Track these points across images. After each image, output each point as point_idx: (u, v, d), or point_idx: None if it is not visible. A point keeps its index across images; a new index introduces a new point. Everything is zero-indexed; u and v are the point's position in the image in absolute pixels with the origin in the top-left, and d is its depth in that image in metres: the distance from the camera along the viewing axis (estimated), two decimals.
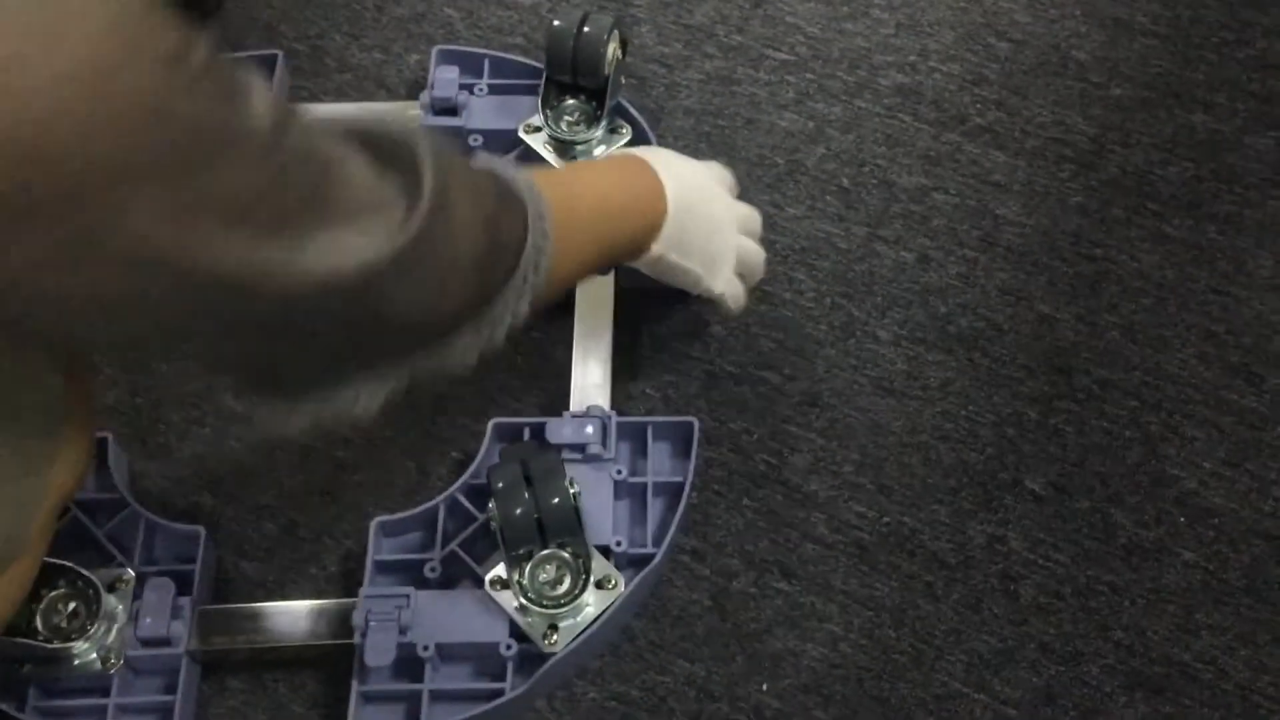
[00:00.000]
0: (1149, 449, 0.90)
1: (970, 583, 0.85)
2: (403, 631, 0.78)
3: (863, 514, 0.88)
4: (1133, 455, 0.90)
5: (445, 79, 1.00)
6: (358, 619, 0.78)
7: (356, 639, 0.78)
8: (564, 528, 0.79)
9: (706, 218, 0.83)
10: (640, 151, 0.84)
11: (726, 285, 0.86)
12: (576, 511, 0.79)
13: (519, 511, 0.78)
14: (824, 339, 0.96)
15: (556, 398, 0.92)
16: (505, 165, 0.69)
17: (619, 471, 0.85)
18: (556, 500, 0.78)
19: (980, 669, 0.82)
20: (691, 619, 0.84)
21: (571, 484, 0.80)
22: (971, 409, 0.92)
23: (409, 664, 0.79)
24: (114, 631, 0.78)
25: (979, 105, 1.08)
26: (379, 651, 0.77)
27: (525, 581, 0.79)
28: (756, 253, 0.88)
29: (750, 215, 0.88)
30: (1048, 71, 1.09)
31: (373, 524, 0.83)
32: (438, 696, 0.79)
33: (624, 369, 0.94)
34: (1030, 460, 0.90)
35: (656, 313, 0.97)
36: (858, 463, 0.90)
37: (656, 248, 0.80)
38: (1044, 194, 1.03)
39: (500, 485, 0.79)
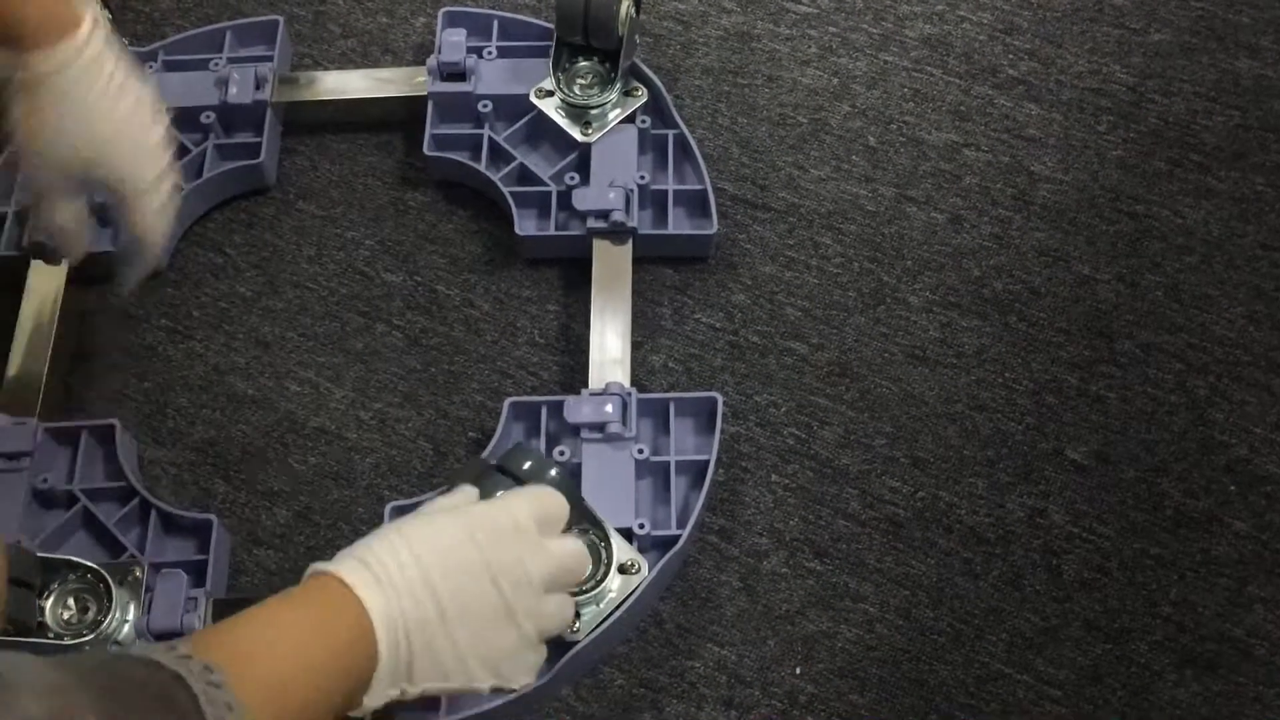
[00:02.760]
0: (1196, 414, 0.86)
1: (1010, 559, 0.82)
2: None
3: (896, 489, 0.85)
4: (1179, 421, 0.86)
5: (452, 42, 0.96)
6: (140, 624, 0.75)
7: None
8: (570, 505, 0.75)
9: (451, 631, 0.61)
10: (375, 538, 0.62)
11: (530, 674, 0.65)
12: (575, 489, 0.75)
13: None
14: (852, 306, 0.92)
15: (574, 373, 0.89)
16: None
17: (640, 451, 0.82)
18: (554, 479, 0.72)
19: (1023, 648, 0.79)
20: (721, 601, 0.81)
21: (559, 457, 0.76)
22: (1009, 376, 0.89)
23: None
24: (127, 626, 0.76)
25: (1011, 56, 1.03)
26: None
27: None
28: (561, 615, 0.66)
29: (562, 563, 0.66)
30: (1083, 18, 1.04)
31: (388, 508, 0.81)
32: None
33: (644, 341, 0.90)
34: (1071, 429, 0.86)
35: (677, 282, 0.93)
36: (890, 435, 0.87)
37: (373, 699, 0.59)
38: (1081, 148, 0.98)
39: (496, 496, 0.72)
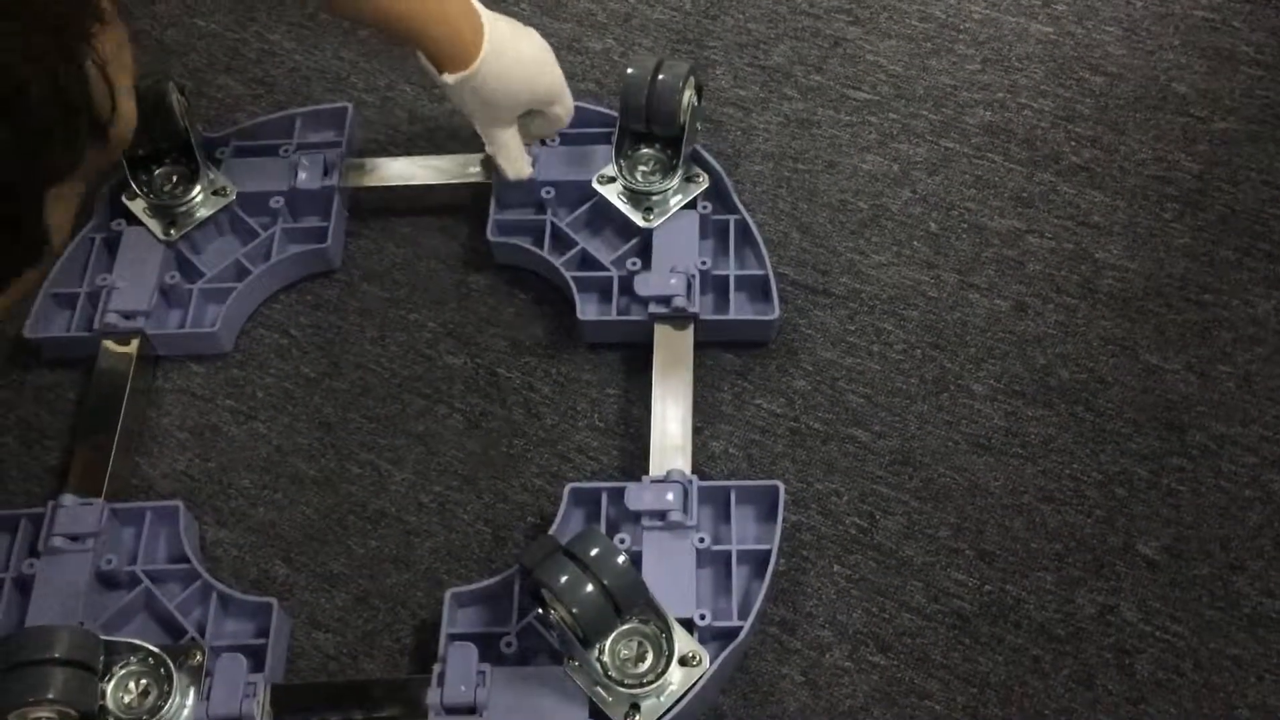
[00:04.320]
0: (1273, 509, 0.84)
1: (1082, 656, 0.80)
2: (479, 710, 0.75)
3: (962, 581, 0.83)
4: (1254, 516, 0.84)
5: None
6: (433, 699, 0.75)
7: (431, 719, 0.75)
8: (635, 594, 0.74)
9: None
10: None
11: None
12: (640, 578, 0.75)
13: (589, 594, 0.72)
14: (915, 393, 0.91)
15: (634, 458, 0.89)
16: None
17: (701, 540, 0.81)
18: (620, 567, 0.73)
19: None
20: (783, 695, 0.80)
21: (619, 544, 0.76)
22: (1076, 468, 0.87)
23: None
24: (186, 710, 0.76)
25: (1074, 143, 1.02)
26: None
27: (606, 659, 0.75)
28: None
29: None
30: (1146, 106, 1.04)
31: (447, 595, 0.80)
32: None
33: (704, 427, 0.90)
34: (1142, 523, 0.84)
35: (738, 367, 0.93)
36: (955, 526, 0.85)
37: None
38: (1147, 236, 0.97)
39: (563, 580, 0.72)
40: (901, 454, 0.88)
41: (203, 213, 0.97)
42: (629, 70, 0.93)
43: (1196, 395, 0.89)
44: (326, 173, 0.99)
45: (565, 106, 0.92)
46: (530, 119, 0.92)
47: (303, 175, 0.98)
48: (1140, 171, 1.00)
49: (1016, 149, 1.02)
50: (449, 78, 0.85)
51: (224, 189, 0.97)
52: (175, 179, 0.97)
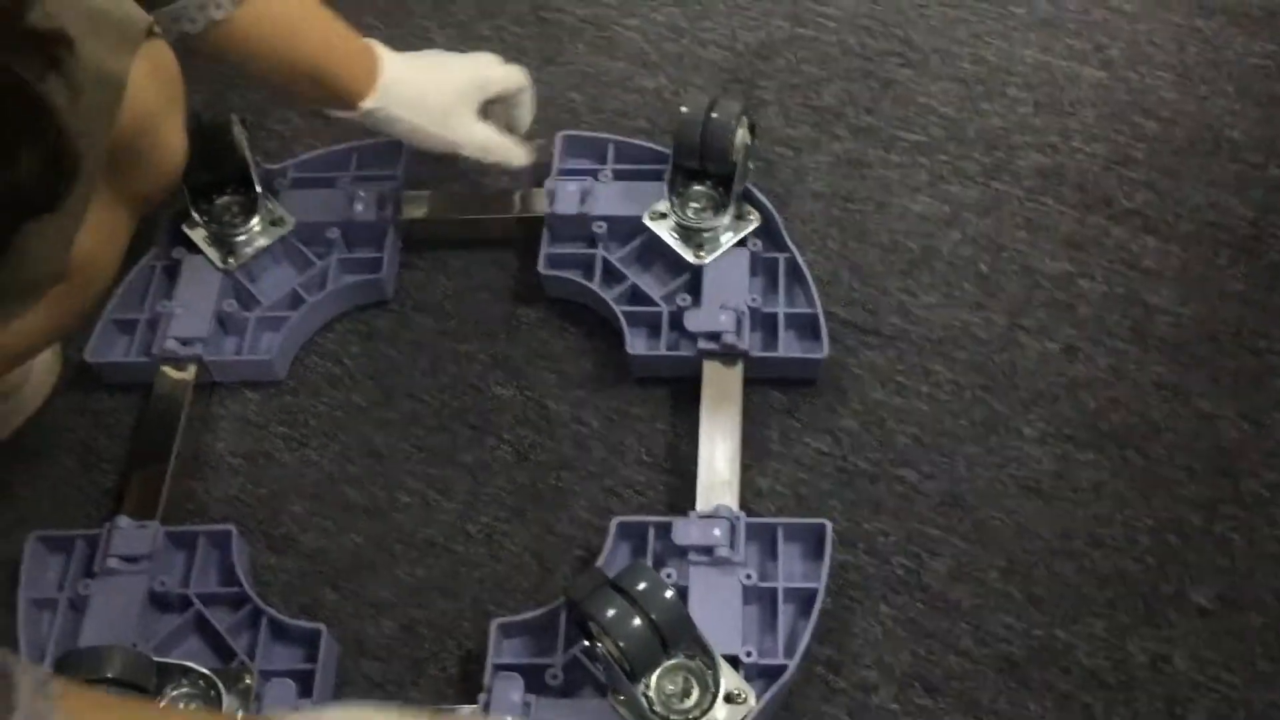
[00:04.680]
0: None
1: (1133, 705, 0.79)
2: None
3: (1011, 625, 0.82)
4: None
5: (568, 193, 0.98)
6: None
7: None
8: (682, 629, 0.74)
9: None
10: None
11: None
12: (687, 614, 0.74)
13: (636, 628, 0.72)
14: (964, 435, 0.91)
15: (680, 493, 0.89)
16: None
17: (748, 576, 0.81)
18: (667, 602, 0.73)
19: None
20: None
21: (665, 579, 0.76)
22: (1128, 513, 0.86)
23: None
24: None
25: (1126, 187, 1.02)
26: None
27: (652, 694, 0.75)
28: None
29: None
30: (1200, 152, 1.04)
31: (493, 626, 0.81)
32: None
33: (752, 464, 0.90)
34: (1195, 571, 0.83)
35: (786, 405, 0.93)
36: (1004, 569, 0.85)
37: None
38: (1200, 281, 0.97)
39: (610, 613, 0.72)
40: (950, 496, 0.88)
41: (261, 242, 0.98)
42: (683, 108, 0.94)
43: (1250, 443, 0.88)
44: (382, 205, 1.00)
45: (513, 76, 0.94)
46: (494, 113, 0.95)
47: (359, 207, 1.00)
48: (1194, 217, 1.00)
49: (1068, 192, 1.02)
50: (367, 101, 0.88)
51: (282, 219, 0.99)
52: (235, 209, 0.99)
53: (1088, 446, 0.89)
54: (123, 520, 0.85)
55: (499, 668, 0.79)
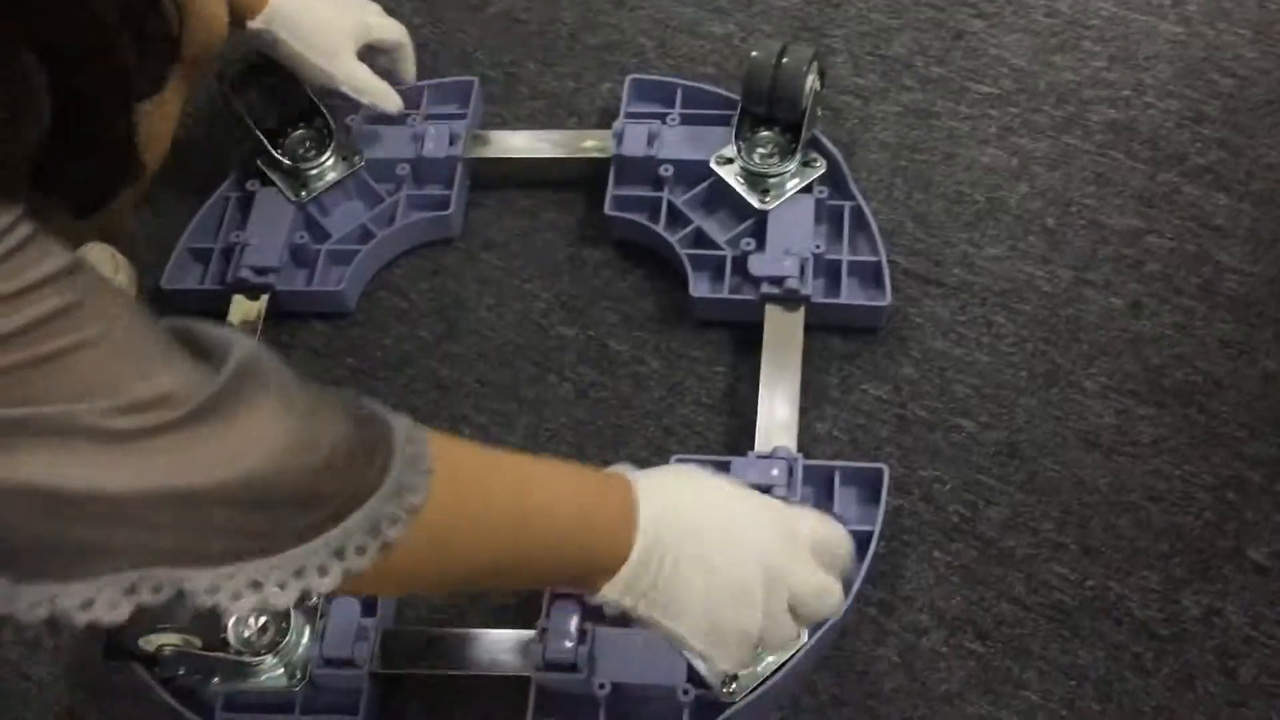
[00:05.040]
0: None
1: (1184, 657, 0.79)
2: (579, 668, 0.77)
3: (1064, 575, 0.83)
4: None
5: (635, 135, 0.99)
6: (535, 654, 0.77)
7: (533, 674, 0.77)
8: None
9: (706, 572, 0.60)
10: (659, 474, 0.63)
11: (735, 665, 0.63)
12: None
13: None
14: (1024, 387, 0.91)
15: (741, 435, 0.90)
16: (389, 412, 0.54)
17: None
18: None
19: None
20: (877, 676, 0.80)
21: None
22: (1187, 469, 0.86)
23: (584, 702, 0.78)
24: (301, 648, 0.79)
25: (1199, 144, 1.01)
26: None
27: None
28: (789, 637, 0.64)
29: (818, 592, 0.63)
30: (1276, 110, 1.02)
31: None
32: None
33: (810, 408, 0.91)
34: (1253, 528, 0.83)
35: (846, 351, 0.93)
36: (1059, 520, 0.85)
37: (609, 591, 0.60)
38: (1271, 241, 0.95)
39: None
40: (1008, 446, 0.88)
41: (332, 176, 1.00)
42: (754, 53, 0.94)
43: None
44: (451, 143, 1.01)
45: (392, 28, 0.99)
46: (378, 62, 0.99)
47: (429, 145, 1.01)
48: (1267, 176, 0.99)
49: (1140, 148, 1.01)
50: (256, 21, 0.91)
51: (354, 155, 1.01)
52: (308, 143, 1.01)
53: (1149, 402, 0.89)
54: None
55: (556, 596, 0.81)
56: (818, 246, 0.93)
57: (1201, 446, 0.87)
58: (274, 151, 0.99)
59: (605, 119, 1.06)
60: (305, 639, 0.79)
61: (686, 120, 1.01)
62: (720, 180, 0.97)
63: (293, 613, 0.79)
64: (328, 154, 1.00)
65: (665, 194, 0.98)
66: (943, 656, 0.81)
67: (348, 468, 0.49)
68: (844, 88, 1.07)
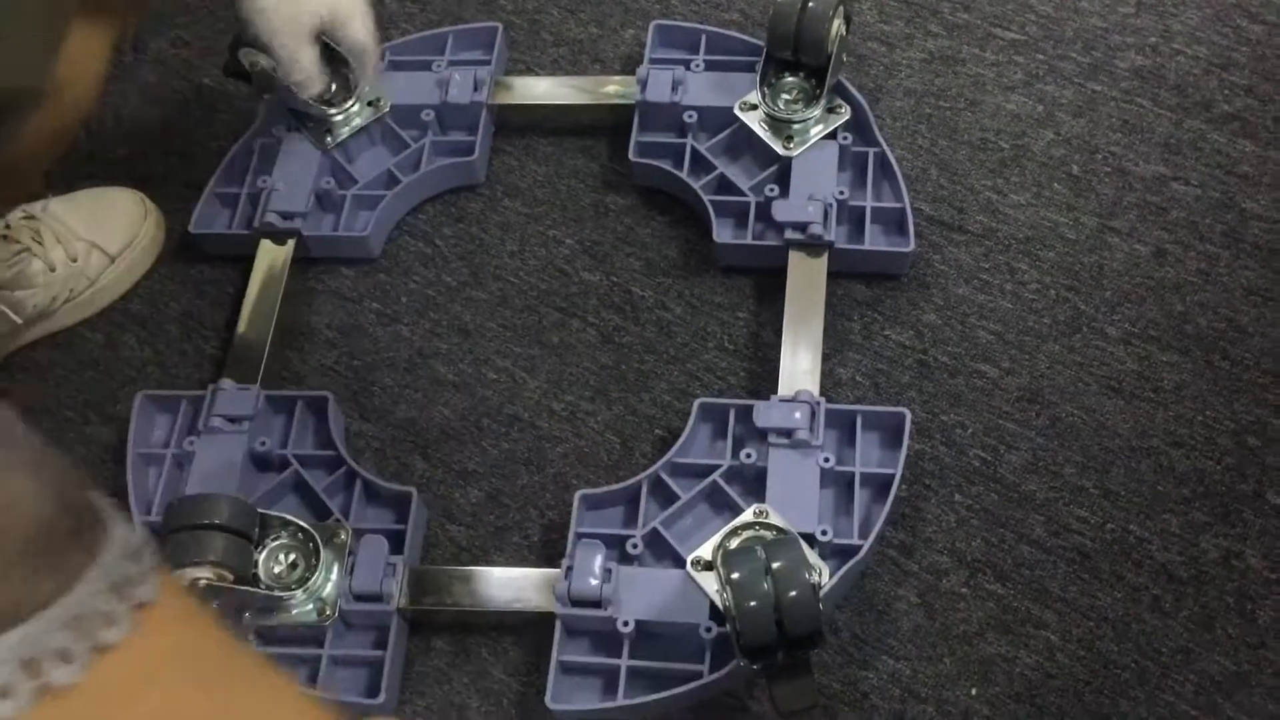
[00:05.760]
0: None
1: (1203, 599, 0.80)
2: (604, 605, 0.78)
3: (1085, 519, 0.84)
4: None
5: (660, 81, 0.99)
6: (560, 590, 0.78)
7: (558, 610, 0.78)
8: (806, 625, 0.70)
9: None
10: None
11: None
12: (818, 607, 0.70)
13: (756, 605, 0.69)
14: (1046, 333, 0.91)
15: (764, 380, 0.90)
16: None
17: (826, 460, 0.83)
18: (795, 594, 0.69)
19: (1211, 691, 0.77)
20: (897, 615, 0.81)
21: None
22: (1209, 415, 0.86)
23: (608, 639, 0.79)
24: (330, 585, 0.80)
25: (1227, 91, 1.00)
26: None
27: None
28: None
29: None
30: None
31: (577, 496, 0.83)
32: (635, 674, 0.78)
33: (832, 354, 0.91)
34: (1274, 473, 0.84)
35: (869, 298, 0.94)
36: (1080, 464, 0.86)
37: None
38: None
39: (738, 574, 0.70)
40: (1030, 391, 0.89)
41: (357, 122, 1.00)
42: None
43: None
44: (476, 89, 1.02)
45: (363, 37, 0.91)
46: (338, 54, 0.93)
47: (453, 91, 1.01)
48: None
49: (1167, 95, 1.01)
50: None
51: (378, 101, 1.01)
52: (333, 88, 1.01)
53: (1172, 348, 0.89)
54: (226, 382, 0.89)
55: (581, 535, 0.82)
56: (841, 193, 0.93)
57: (1224, 393, 0.87)
58: (300, 99, 0.99)
59: (629, 66, 1.06)
60: (334, 575, 0.81)
61: (711, 66, 1.01)
62: (744, 126, 0.97)
63: (323, 548, 0.80)
64: (353, 101, 1.00)
65: (689, 140, 0.98)
66: (962, 597, 0.81)
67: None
68: (869, 34, 1.07)
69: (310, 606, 0.80)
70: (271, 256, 0.97)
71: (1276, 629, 0.78)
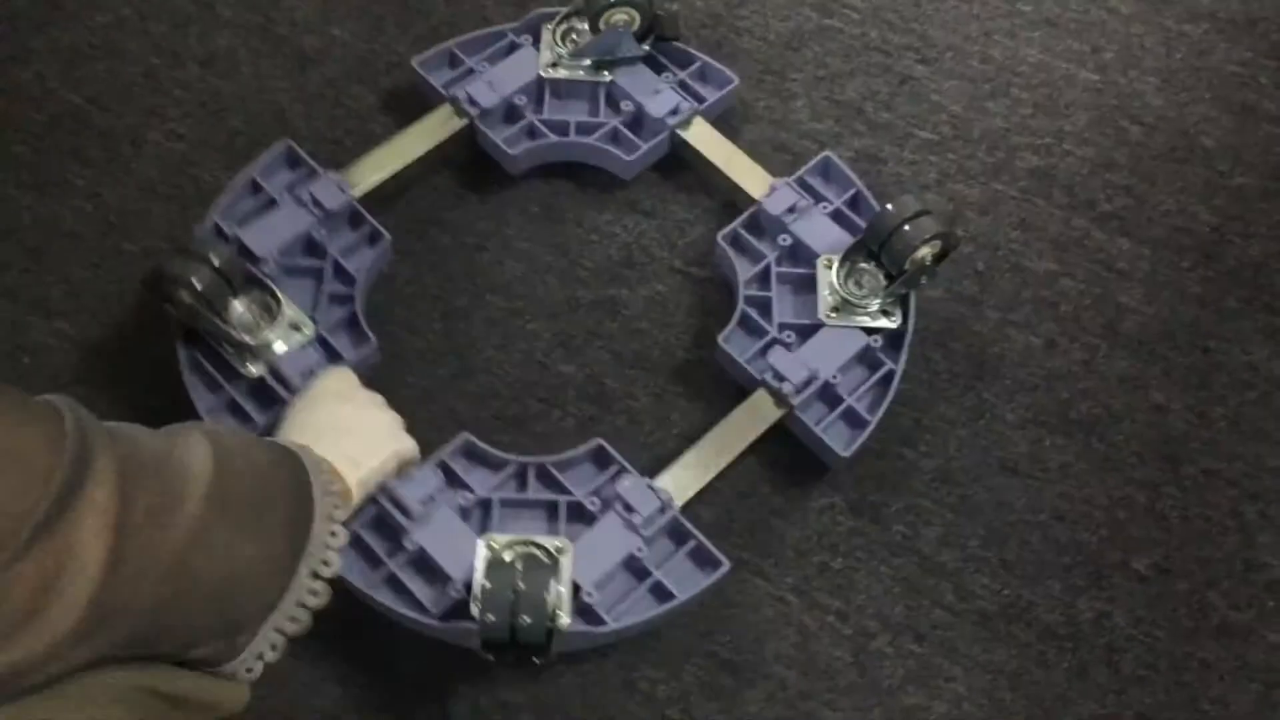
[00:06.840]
0: (1245, 537, 1.02)
1: (1079, 653, 0.99)
2: (411, 516, 0.93)
3: (987, 585, 1.02)
4: (1229, 542, 1.02)
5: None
6: (413, 477, 0.93)
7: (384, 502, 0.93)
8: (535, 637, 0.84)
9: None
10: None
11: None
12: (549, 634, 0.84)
13: (495, 620, 0.83)
14: (956, 419, 1.08)
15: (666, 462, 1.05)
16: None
17: (640, 550, 0.94)
18: (530, 620, 0.83)
19: None
20: (835, 673, 0.99)
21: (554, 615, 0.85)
22: (1086, 491, 1.04)
23: (393, 534, 0.95)
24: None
25: (1109, 191, 1.16)
26: None
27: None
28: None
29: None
30: (1175, 158, 1.17)
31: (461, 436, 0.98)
32: (390, 578, 0.93)
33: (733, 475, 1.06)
34: (1137, 542, 1.02)
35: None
36: (983, 537, 1.03)
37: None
38: (1165, 283, 1.12)
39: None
40: (942, 472, 1.06)
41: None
42: (889, 206, 1.01)
43: (1194, 433, 1.06)
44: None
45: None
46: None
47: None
48: (1164, 221, 1.15)
49: (1058, 194, 1.16)
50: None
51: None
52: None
53: (1059, 432, 1.07)
54: (332, 175, 1.10)
55: (450, 470, 0.97)
56: (834, 377, 1.01)
57: (1099, 471, 1.05)
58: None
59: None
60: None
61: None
62: (817, 274, 1.04)
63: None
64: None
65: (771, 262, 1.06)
66: (888, 656, 0.99)
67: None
68: (803, 133, 1.20)
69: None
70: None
71: (1135, 677, 0.98)
